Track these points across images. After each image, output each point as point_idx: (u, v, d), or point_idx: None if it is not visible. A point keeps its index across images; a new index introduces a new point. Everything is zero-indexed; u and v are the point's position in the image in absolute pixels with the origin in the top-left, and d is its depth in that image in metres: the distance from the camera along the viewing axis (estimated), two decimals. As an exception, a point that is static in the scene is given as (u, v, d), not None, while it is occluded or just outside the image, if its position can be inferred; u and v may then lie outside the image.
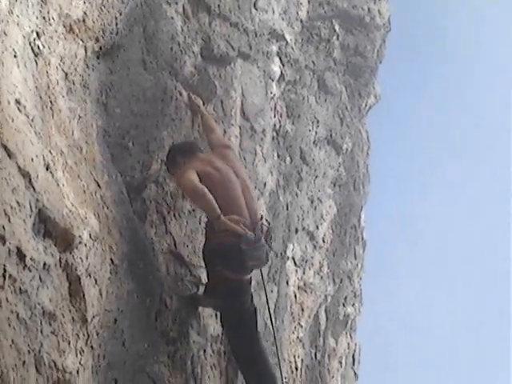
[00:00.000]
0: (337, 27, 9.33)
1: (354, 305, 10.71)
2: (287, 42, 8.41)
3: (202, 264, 6.35)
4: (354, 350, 11.12)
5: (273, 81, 8.22)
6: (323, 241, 9.50)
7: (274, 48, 8.15)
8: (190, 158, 6.26)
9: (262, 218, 6.37)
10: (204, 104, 6.85)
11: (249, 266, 6.16)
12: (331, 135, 9.54)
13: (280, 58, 8.33)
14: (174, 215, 6.42)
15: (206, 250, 6.24)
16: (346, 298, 10.38)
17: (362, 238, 10.91)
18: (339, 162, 9.86)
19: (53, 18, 4.95)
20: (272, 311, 7.40)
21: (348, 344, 10.65)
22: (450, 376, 21.04)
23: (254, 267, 6.25)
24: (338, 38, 9.38)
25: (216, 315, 6.64)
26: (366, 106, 10.59)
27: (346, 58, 9.60)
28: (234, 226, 5.98)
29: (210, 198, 5.93)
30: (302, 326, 8.95)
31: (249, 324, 6.40)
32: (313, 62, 9.01)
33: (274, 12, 8.15)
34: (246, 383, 6.44)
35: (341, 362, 10.38)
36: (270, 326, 7.14)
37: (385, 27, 10.25)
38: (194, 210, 6.61)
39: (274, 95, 8.24)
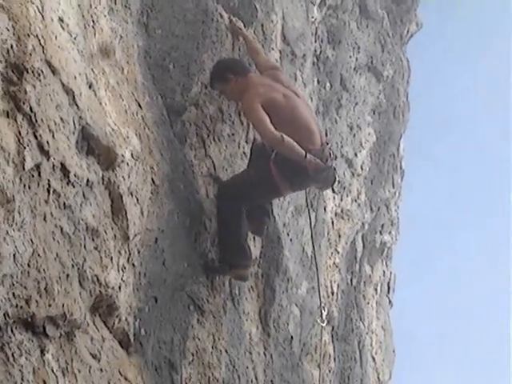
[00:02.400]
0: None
1: (390, 233, 10.73)
2: (330, -34, 8.30)
3: None
4: (389, 278, 11.19)
5: (314, 5, 8.13)
6: (361, 168, 9.49)
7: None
8: (243, 76, 6.24)
9: (327, 140, 6.38)
10: (245, 27, 6.80)
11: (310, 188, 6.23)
12: (372, 62, 9.45)
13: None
14: (214, 139, 6.43)
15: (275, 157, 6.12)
16: (382, 225, 10.41)
17: (401, 167, 10.88)
18: (379, 89, 9.79)
19: None
20: (309, 237, 7.44)
21: (383, 272, 10.72)
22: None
23: (319, 189, 6.32)
24: (380, -37, 9.24)
25: (254, 238, 6.69)
26: (407, 33, 10.45)
27: (388, -16, 9.46)
28: (318, 162, 5.97)
29: (291, 144, 5.90)
30: (338, 252, 9.01)
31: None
32: (355, -13, 8.89)
33: None
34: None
35: (376, 289, 10.46)
36: (309, 251, 7.19)
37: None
38: (233, 134, 6.62)
39: (316, 20, 8.15)
